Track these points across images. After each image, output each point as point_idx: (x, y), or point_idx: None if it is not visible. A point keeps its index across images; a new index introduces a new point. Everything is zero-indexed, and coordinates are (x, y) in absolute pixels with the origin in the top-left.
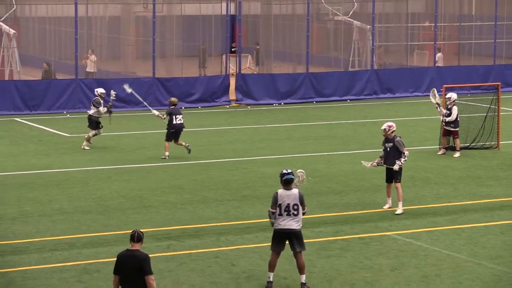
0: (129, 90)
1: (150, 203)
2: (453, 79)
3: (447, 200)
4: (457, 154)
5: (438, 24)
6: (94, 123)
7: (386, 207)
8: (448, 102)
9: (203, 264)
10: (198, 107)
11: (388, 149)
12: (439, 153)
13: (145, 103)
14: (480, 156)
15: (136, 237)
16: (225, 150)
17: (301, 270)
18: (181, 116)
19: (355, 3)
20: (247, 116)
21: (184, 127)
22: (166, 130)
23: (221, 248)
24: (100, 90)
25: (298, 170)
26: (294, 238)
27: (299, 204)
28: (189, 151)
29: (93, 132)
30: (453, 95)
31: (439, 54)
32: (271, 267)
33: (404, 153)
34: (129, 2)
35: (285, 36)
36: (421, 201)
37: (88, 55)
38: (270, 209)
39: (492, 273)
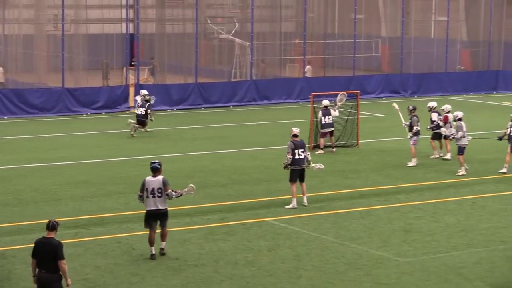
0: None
1: (60, 196)
2: (319, 88)
3: (316, 190)
4: (320, 151)
5: (306, 41)
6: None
7: (289, 206)
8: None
9: (107, 249)
10: (102, 113)
11: None
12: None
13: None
14: (343, 153)
15: (51, 226)
16: (127, 149)
17: (163, 237)
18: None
19: (236, 23)
20: None
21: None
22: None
23: (123, 235)
24: (144, 92)
25: (191, 184)
26: (161, 217)
27: (162, 187)
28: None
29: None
30: (324, 101)
31: (308, 67)
32: (151, 242)
33: (287, 156)
34: (41, 22)
35: (177, 52)
36: None
37: None
38: (139, 192)
39: (354, 252)
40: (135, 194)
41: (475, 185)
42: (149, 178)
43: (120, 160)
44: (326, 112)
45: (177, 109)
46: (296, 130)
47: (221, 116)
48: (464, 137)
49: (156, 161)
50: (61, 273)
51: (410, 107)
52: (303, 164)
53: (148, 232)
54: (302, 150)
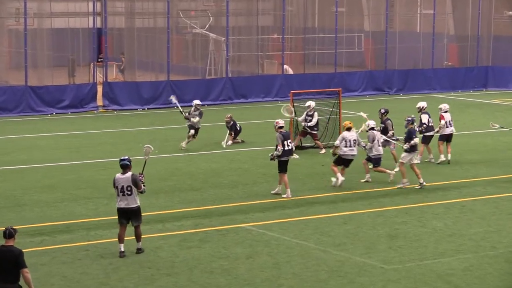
0: (174, 101)
1: (23, 202)
2: (299, 86)
3: (295, 194)
4: (323, 151)
5: (285, 36)
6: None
7: (274, 191)
8: (308, 110)
9: (74, 257)
10: (68, 112)
11: None
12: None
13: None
14: (323, 154)
15: (8, 234)
16: (94, 151)
17: (138, 238)
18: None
19: (211, 17)
20: (114, 120)
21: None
22: None
23: (91, 242)
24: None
25: (146, 145)
26: (132, 215)
27: (132, 185)
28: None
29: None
30: (312, 103)
31: (285, 66)
32: (120, 239)
33: (276, 147)
34: (2, 16)
35: (148, 47)
36: (272, 196)
37: None
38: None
39: (336, 259)
40: (103, 198)
41: (464, 188)
42: (118, 176)
43: (87, 163)
44: None
45: (148, 108)
46: (281, 122)
47: None
48: (372, 147)
49: (126, 157)
50: (25, 282)
51: (382, 110)
52: (291, 155)
53: None
54: (290, 141)
